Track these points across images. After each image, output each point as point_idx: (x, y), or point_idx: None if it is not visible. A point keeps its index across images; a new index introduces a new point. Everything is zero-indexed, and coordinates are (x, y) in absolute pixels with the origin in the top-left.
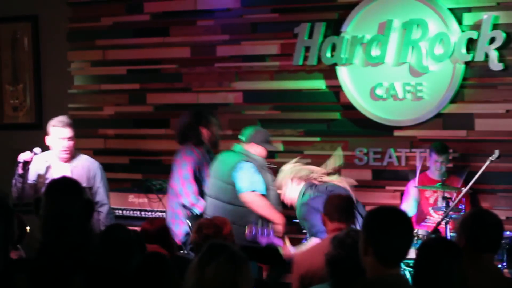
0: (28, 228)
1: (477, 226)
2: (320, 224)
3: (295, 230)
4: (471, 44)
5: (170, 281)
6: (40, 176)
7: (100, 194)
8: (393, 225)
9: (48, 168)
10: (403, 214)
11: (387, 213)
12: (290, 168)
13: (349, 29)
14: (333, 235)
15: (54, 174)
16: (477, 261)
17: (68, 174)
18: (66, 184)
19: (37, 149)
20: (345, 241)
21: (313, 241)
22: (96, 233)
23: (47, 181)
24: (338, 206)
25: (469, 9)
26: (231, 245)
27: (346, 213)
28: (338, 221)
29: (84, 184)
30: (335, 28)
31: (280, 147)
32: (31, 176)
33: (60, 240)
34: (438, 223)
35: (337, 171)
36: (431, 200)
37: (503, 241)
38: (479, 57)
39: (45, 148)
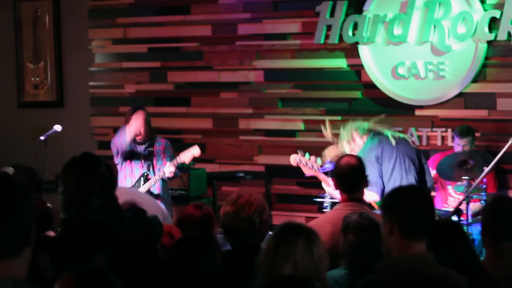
0: (49, 205)
1: (496, 214)
2: (372, 171)
3: (316, 209)
4: (493, 23)
5: (214, 259)
6: None
7: None
8: (414, 199)
9: None
10: (422, 189)
11: (407, 190)
12: (352, 124)
13: (371, 8)
14: (346, 222)
15: None
16: (498, 249)
17: None
18: (82, 160)
19: (57, 127)
20: (363, 225)
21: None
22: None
23: None
24: (343, 176)
25: None
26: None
27: (351, 184)
28: (344, 191)
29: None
30: (357, 7)
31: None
32: None
33: (80, 217)
34: (460, 203)
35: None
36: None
37: None
38: (502, 36)
39: (65, 125)
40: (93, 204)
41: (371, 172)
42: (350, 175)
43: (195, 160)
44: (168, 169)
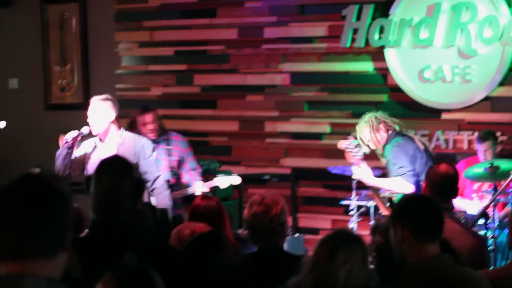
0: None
1: None
2: (409, 165)
3: (342, 212)
4: None
5: (223, 259)
6: (86, 155)
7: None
8: (423, 203)
9: (95, 147)
10: (428, 196)
11: (415, 196)
12: (381, 115)
13: (398, 11)
14: (376, 224)
15: (99, 153)
16: None
17: (113, 151)
18: (116, 162)
19: (84, 129)
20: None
21: (398, 181)
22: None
23: (90, 160)
24: (439, 184)
25: None
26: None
27: (444, 193)
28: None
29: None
30: (383, 10)
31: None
32: (78, 153)
33: (110, 218)
34: (486, 206)
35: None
36: (475, 187)
37: None
38: None
39: None
40: (124, 205)
41: (410, 166)
42: (446, 184)
43: (221, 162)
44: (200, 188)
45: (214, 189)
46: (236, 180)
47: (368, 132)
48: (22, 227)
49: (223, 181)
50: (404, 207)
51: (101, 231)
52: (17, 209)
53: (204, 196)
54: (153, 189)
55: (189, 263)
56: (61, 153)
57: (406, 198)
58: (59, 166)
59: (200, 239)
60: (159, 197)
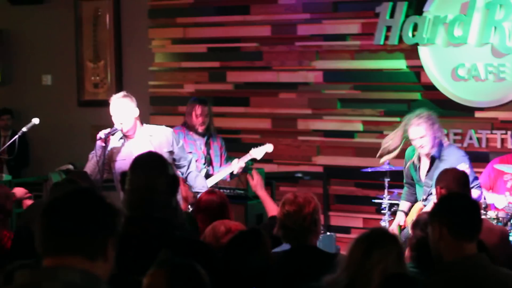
0: None
1: None
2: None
3: (374, 210)
4: None
5: (261, 257)
6: (113, 153)
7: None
8: (461, 201)
9: (122, 145)
10: (467, 194)
11: (454, 195)
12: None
13: (431, 9)
14: (417, 219)
15: (130, 150)
16: None
17: (146, 146)
18: (151, 159)
19: (118, 125)
20: None
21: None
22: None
23: (119, 156)
24: (460, 179)
25: None
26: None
27: (468, 187)
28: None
29: (166, 150)
30: (417, 8)
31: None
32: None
33: (145, 214)
34: None
35: None
36: (508, 185)
37: None
38: None
39: None
40: (159, 202)
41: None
42: (463, 178)
43: (253, 159)
44: (237, 164)
45: (246, 187)
46: (269, 148)
47: (427, 128)
48: (64, 228)
49: (258, 152)
50: (442, 205)
51: (135, 227)
52: (63, 214)
53: (210, 191)
54: (189, 173)
55: (229, 260)
56: (95, 154)
57: (445, 196)
58: (91, 169)
59: (242, 237)
60: (197, 180)
